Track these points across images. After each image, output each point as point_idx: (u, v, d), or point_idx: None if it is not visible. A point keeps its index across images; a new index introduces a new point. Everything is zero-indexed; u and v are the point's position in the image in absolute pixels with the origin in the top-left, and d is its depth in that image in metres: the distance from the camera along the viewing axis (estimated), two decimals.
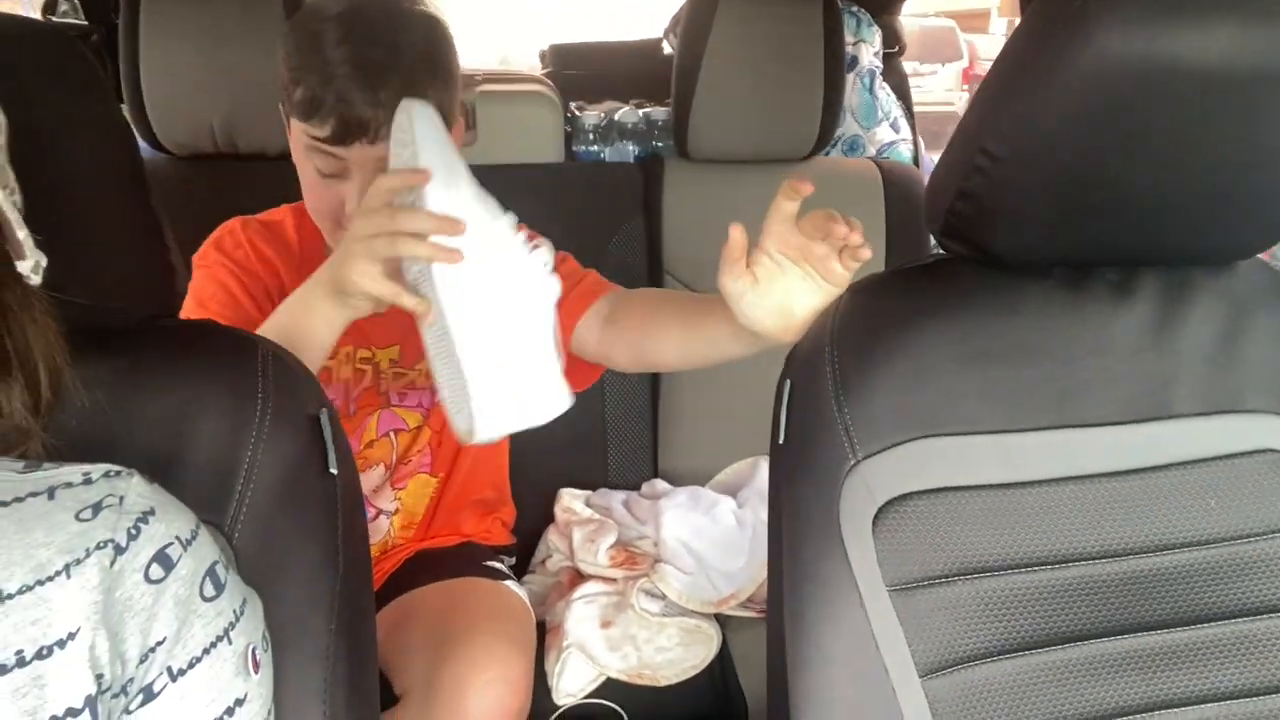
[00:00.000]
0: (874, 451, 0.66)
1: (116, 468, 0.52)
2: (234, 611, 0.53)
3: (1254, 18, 0.56)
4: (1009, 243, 0.68)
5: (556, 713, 1.06)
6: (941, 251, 0.74)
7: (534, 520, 1.33)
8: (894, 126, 1.73)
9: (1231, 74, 0.58)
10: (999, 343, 0.68)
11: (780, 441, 0.70)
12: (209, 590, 0.51)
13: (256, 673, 0.53)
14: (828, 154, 1.56)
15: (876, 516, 0.65)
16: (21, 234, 0.45)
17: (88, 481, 0.50)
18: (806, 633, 0.65)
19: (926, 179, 1.62)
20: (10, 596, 0.45)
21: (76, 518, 0.48)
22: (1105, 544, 0.67)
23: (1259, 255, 0.72)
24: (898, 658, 0.64)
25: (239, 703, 0.51)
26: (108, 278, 0.61)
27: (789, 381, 0.70)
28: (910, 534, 0.65)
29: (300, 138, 0.94)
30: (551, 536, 1.30)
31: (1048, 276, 0.70)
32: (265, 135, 1.35)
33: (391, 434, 1.08)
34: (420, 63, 0.92)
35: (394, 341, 1.06)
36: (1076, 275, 0.70)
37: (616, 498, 1.34)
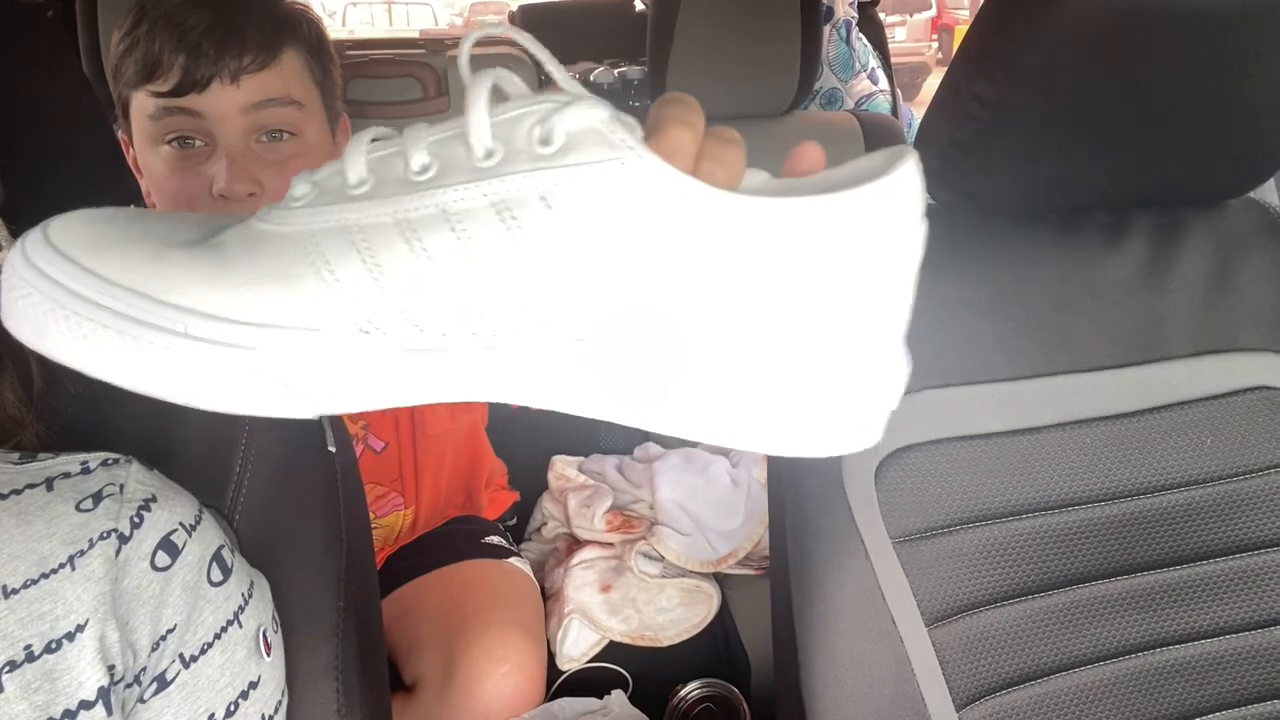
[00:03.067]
0: None
1: (114, 455, 0.51)
2: (242, 595, 0.52)
3: None
4: (1000, 190, 0.68)
5: (561, 679, 1.07)
6: (931, 201, 0.73)
7: (527, 489, 1.33)
8: (872, 78, 1.71)
9: (1221, 9, 0.58)
10: (994, 291, 0.68)
11: None
12: (216, 575, 0.51)
13: (268, 654, 0.53)
14: (805, 108, 1.54)
15: (878, 470, 0.65)
16: None
17: (86, 471, 0.49)
18: (812, 587, 0.65)
19: (905, 130, 1.62)
20: (15, 591, 0.44)
21: (77, 508, 0.47)
22: (1104, 487, 0.68)
23: (1249, 194, 0.72)
24: (904, 608, 0.65)
25: (253, 685, 0.51)
26: None
27: None
28: (912, 486, 0.66)
29: (143, 121, 0.81)
30: (546, 504, 1.30)
31: (1040, 223, 0.70)
32: None
33: None
34: (277, 5, 0.82)
35: None
36: (1068, 220, 0.70)
37: (610, 462, 1.34)
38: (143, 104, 0.81)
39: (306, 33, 0.85)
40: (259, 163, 0.81)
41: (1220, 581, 0.69)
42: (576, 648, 1.08)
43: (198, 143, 0.81)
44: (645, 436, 1.43)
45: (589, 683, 1.07)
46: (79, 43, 1.25)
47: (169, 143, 0.81)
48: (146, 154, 0.83)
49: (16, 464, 0.49)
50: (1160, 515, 0.68)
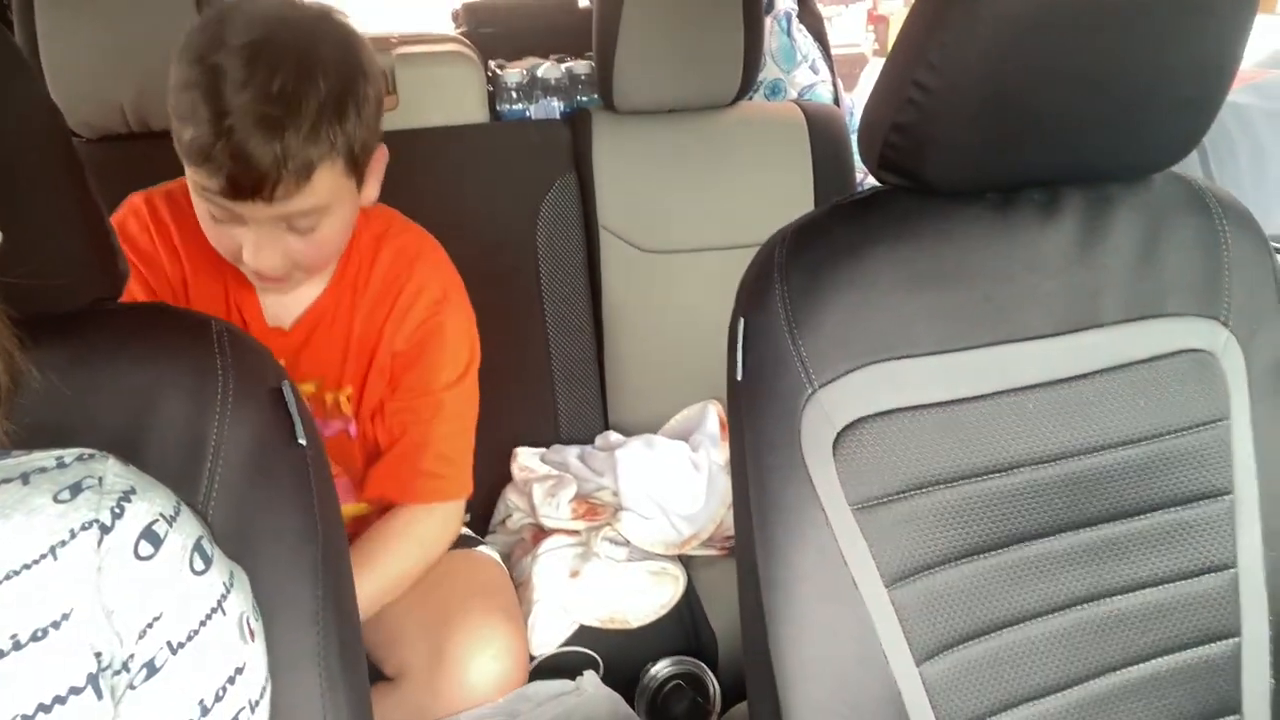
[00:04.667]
0: (829, 380, 0.68)
1: (89, 450, 0.51)
2: (224, 584, 0.53)
3: None
4: (942, 170, 0.71)
5: (533, 664, 1.08)
6: (877, 184, 0.76)
7: (490, 481, 1.34)
8: (813, 68, 1.75)
9: None
10: (939, 267, 0.71)
11: (739, 378, 0.72)
12: (198, 564, 0.52)
13: (253, 641, 0.54)
14: (750, 99, 1.57)
15: (836, 441, 0.68)
16: None
17: (61, 465, 0.50)
18: (778, 556, 0.68)
19: (847, 119, 1.65)
20: None
21: (54, 499, 0.48)
22: (1046, 449, 0.72)
23: (1172, 169, 0.76)
24: (864, 571, 0.68)
25: (239, 671, 0.52)
26: (49, 262, 0.60)
27: (742, 319, 0.72)
28: (868, 455, 0.68)
29: (192, 179, 0.85)
30: (510, 495, 1.31)
31: (979, 200, 0.73)
32: None
33: None
34: (329, 106, 0.83)
35: (314, 377, 1.01)
36: (1006, 197, 0.74)
37: (571, 452, 1.36)
38: (188, 168, 0.86)
39: (351, 131, 0.85)
40: (283, 243, 0.87)
41: (1156, 534, 0.73)
42: (547, 633, 1.10)
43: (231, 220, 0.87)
44: (605, 425, 1.45)
45: (561, 667, 1.09)
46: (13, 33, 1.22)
47: (208, 208, 0.86)
48: (190, 191, 0.88)
49: None
50: (1099, 474, 0.72)
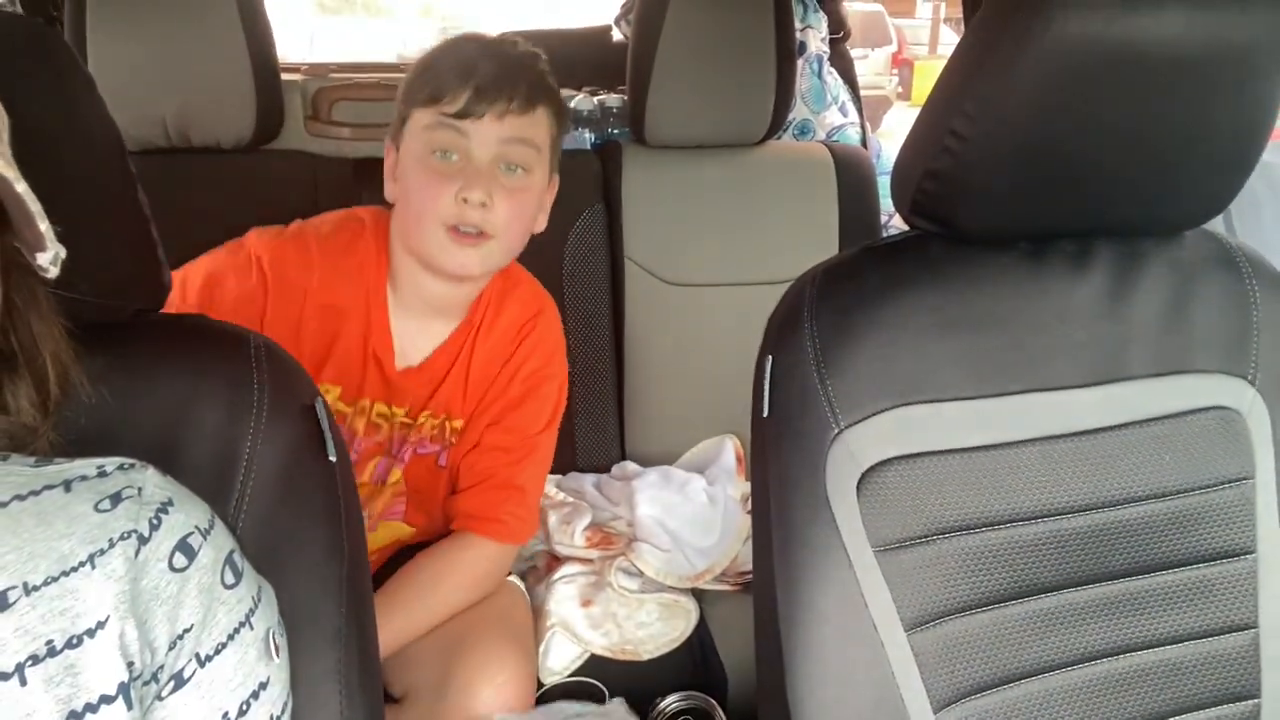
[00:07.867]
0: (856, 420, 0.69)
1: (130, 460, 0.52)
2: (253, 598, 0.54)
3: (1202, 2, 0.60)
4: (975, 218, 0.72)
5: (542, 690, 1.08)
6: (905, 228, 0.77)
7: None
8: (842, 110, 1.77)
9: (1180, 55, 0.63)
10: (968, 313, 0.72)
11: (764, 415, 0.72)
12: (229, 578, 0.52)
13: (278, 656, 0.54)
14: (779, 138, 1.59)
15: (860, 482, 0.68)
16: (44, 225, 0.46)
17: (102, 474, 0.51)
18: (798, 594, 0.68)
19: (875, 161, 1.67)
20: (36, 588, 0.46)
21: (95, 509, 0.49)
22: (1071, 500, 0.72)
23: (1203, 225, 0.77)
24: (884, 614, 0.67)
25: (263, 686, 0.53)
26: (101, 274, 0.61)
27: (770, 357, 0.73)
28: (892, 497, 0.69)
29: (418, 132, 1.00)
30: None
31: (1011, 249, 0.74)
32: (218, 127, 1.33)
33: (380, 482, 1.10)
34: (551, 78, 1.05)
35: (407, 404, 1.09)
36: (1037, 247, 0.74)
37: (588, 480, 1.36)
38: (421, 118, 1.01)
39: (557, 100, 1.07)
40: (495, 182, 1.00)
41: (1178, 591, 0.73)
42: (558, 661, 1.09)
43: (454, 157, 1.00)
44: (622, 455, 1.45)
45: (569, 696, 1.08)
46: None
47: (433, 153, 1.00)
48: (411, 160, 1.02)
49: (33, 467, 0.50)
50: (1122, 527, 0.72)
